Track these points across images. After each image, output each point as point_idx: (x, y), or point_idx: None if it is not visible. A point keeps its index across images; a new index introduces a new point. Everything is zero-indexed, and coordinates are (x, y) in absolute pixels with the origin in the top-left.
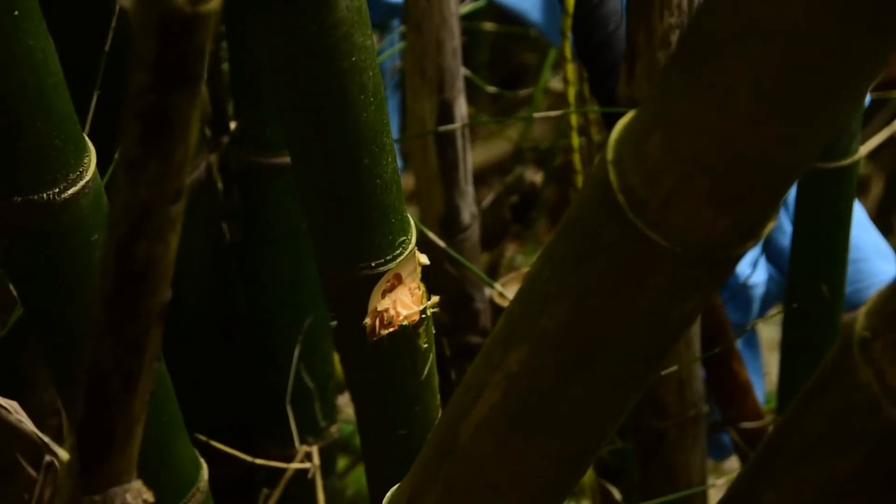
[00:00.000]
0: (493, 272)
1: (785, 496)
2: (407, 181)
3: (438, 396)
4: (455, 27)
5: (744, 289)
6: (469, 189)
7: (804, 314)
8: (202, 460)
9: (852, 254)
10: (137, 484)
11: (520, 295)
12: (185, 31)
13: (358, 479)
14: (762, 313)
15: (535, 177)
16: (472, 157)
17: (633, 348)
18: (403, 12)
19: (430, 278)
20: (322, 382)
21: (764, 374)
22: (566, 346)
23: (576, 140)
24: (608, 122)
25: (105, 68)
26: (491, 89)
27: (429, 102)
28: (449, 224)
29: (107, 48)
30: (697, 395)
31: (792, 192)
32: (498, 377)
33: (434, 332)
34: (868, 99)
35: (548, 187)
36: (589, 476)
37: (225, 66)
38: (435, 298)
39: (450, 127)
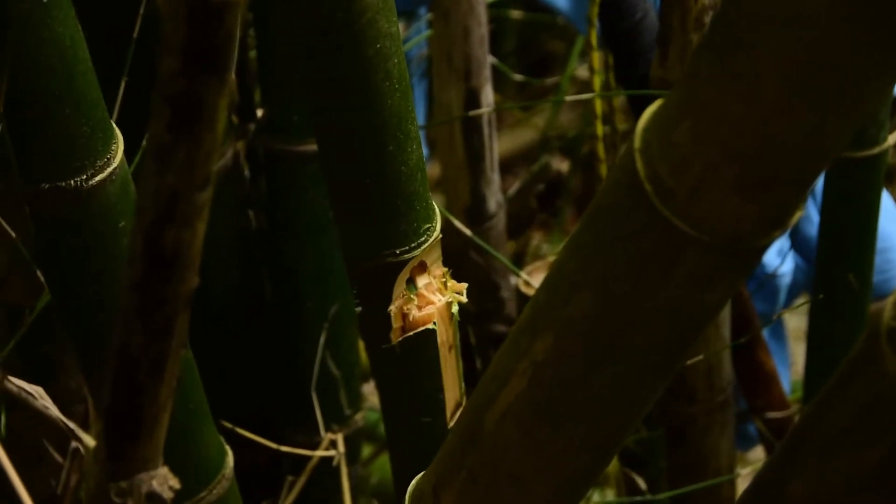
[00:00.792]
0: (519, 260)
1: (812, 485)
2: (433, 169)
3: (464, 385)
4: (482, 15)
5: (771, 279)
6: (495, 177)
7: (831, 304)
8: (228, 447)
9: (880, 243)
10: (163, 470)
11: (546, 283)
12: (214, 17)
13: (382, 466)
14: (789, 303)
15: (562, 165)
16: (498, 146)
17: (659, 337)
18: (431, 0)
19: (456, 267)
20: (347, 370)
21: (790, 364)
22: (592, 334)
23: (600, 128)
24: (636, 110)
25: (133, 55)
26: (518, 77)
27: (456, 90)
28: (475, 212)
29: (135, 35)
30: (726, 380)
31: (819, 182)
32: (523, 366)
33: (459, 320)
34: None
35: (574, 176)
36: (613, 465)
37: (252, 53)
38: (461, 285)
39: (476, 112)
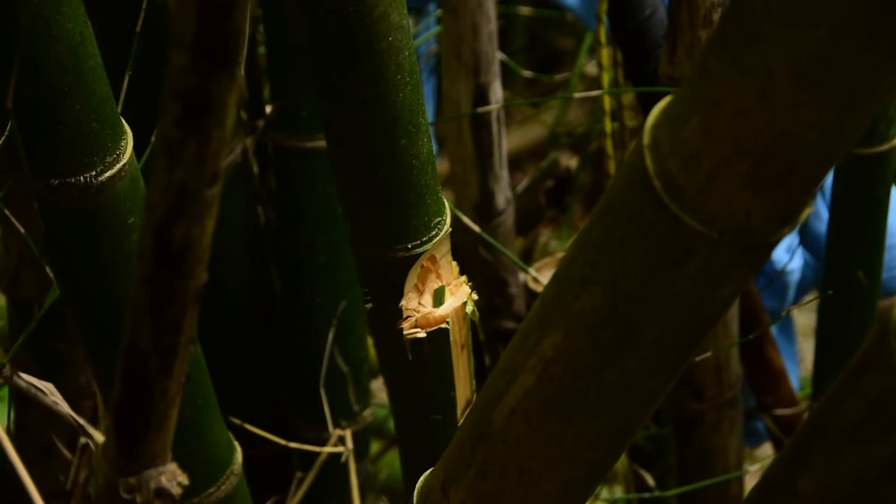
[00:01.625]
0: (528, 257)
1: (821, 481)
2: (442, 166)
3: (473, 381)
4: (491, 11)
5: (780, 275)
6: (504, 174)
7: (840, 300)
8: (236, 443)
9: (889, 240)
10: (172, 466)
11: (555, 279)
12: (223, 13)
13: (391, 462)
14: (798, 300)
15: (570, 161)
16: (507, 142)
17: (669, 333)
18: None
19: (465, 263)
20: (356, 366)
21: (799, 360)
22: (601, 330)
23: (608, 125)
24: (645, 106)
25: (142, 51)
26: (527, 74)
27: (464, 87)
28: (484, 209)
29: (142, 30)
30: (735, 377)
31: (828, 178)
32: (533, 362)
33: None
34: None
35: (583, 172)
36: (622, 462)
37: (262, 49)
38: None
39: (485, 108)
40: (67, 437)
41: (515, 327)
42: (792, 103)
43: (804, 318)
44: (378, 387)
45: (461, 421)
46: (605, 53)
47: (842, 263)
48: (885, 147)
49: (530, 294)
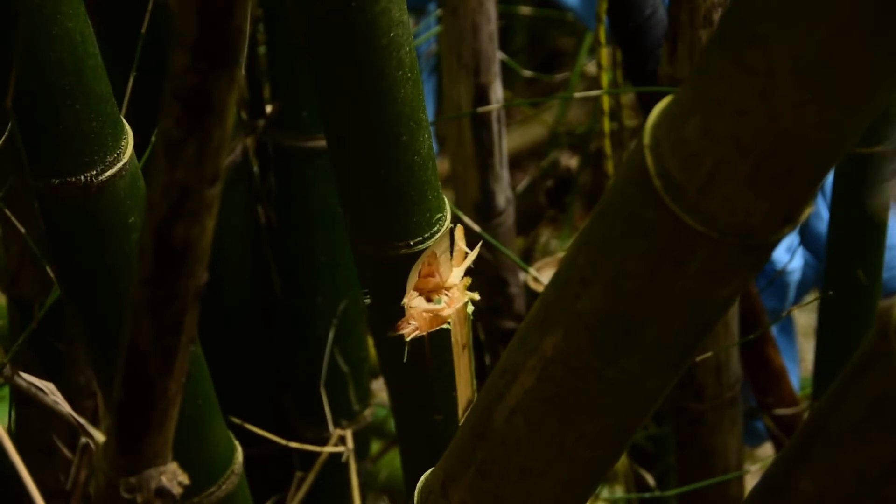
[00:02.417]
0: (528, 257)
1: (821, 481)
2: (442, 165)
3: (474, 381)
4: (491, 11)
5: (780, 275)
6: (504, 173)
7: (840, 300)
8: (237, 443)
9: (889, 240)
10: (173, 466)
11: (555, 279)
12: (224, 13)
13: (391, 462)
14: (798, 300)
15: (571, 161)
16: (507, 142)
17: (669, 333)
18: None
19: None
20: (356, 366)
21: (799, 360)
22: (601, 330)
23: (607, 124)
24: (645, 106)
25: (143, 51)
26: (527, 73)
27: (465, 86)
28: (484, 208)
29: (144, 30)
30: (735, 377)
31: (829, 178)
32: (533, 361)
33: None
34: None
35: (583, 172)
36: (622, 462)
37: (262, 49)
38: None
39: (486, 108)
40: (68, 437)
41: (516, 327)
42: (793, 103)
43: (804, 318)
44: (378, 386)
45: (462, 421)
46: (605, 53)
47: (842, 263)
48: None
49: (531, 294)
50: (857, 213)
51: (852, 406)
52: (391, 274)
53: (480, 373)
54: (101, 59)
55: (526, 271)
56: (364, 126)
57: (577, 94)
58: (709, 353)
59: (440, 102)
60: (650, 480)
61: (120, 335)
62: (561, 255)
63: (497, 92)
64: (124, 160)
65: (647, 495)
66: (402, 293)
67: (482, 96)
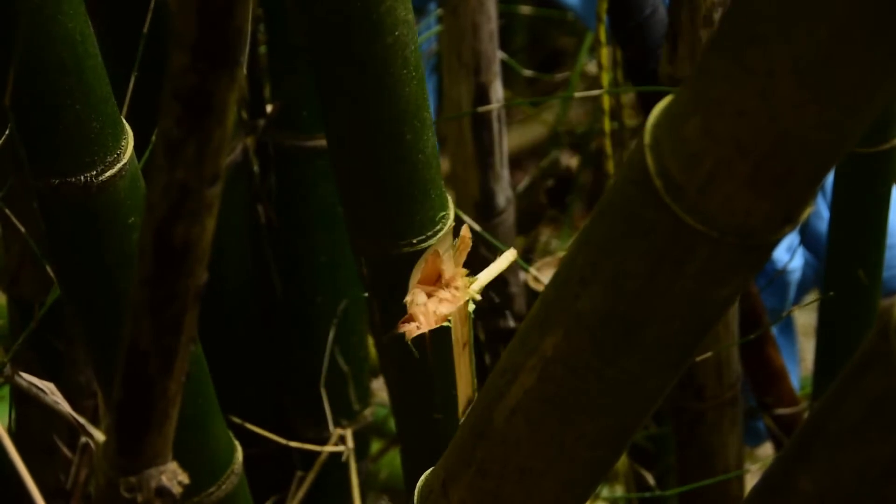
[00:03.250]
0: (529, 256)
1: (821, 481)
2: (442, 165)
3: (475, 380)
4: (491, 10)
5: (780, 275)
6: (504, 173)
7: (841, 300)
8: (237, 442)
9: (889, 239)
10: (173, 465)
11: (555, 279)
12: (224, 12)
13: (391, 462)
14: (798, 299)
15: (571, 161)
16: (507, 141)
17: (669, 333)
18: None
19: (466, 262)
20: (356, 366)
21: (799, 360)
22: (602, 330)
23: (607, 124)
24: (645, 106)
25: (143, 50)
26: (527, 73)
27: (465, 86)
28: (484, 208)
29: (144, 30)
30: (735, 376)
31: (829, 177)
32: (533, 361)
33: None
34: None
35: (584, 171)
36: (622, 461)
37: (262, 48)
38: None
39: (486, 108)
40: (68, 437)
41: (516, 327)
42: (793, 103)
43: (805, 318)
44: (379, 386)
45: (462, 420)
46: (605, 53)
47: (842, 263)
48: (886, 146)
49: (531, 293)
50: (857, 212)
51: (852, 406)
52: (394, 273)
53: (480, 372)
54: (101, 59)
55: (526, 271)
56: (368, 125)
57: (578, 94)
58: (709, 353)
59: (440, 102)
60: (650, 480)
61: (120, 335)
62: (561, 254)
63: (497, 91)
64: (124, 160)
65: (647, 495)
66: (405, 292)
67: (482, 96)
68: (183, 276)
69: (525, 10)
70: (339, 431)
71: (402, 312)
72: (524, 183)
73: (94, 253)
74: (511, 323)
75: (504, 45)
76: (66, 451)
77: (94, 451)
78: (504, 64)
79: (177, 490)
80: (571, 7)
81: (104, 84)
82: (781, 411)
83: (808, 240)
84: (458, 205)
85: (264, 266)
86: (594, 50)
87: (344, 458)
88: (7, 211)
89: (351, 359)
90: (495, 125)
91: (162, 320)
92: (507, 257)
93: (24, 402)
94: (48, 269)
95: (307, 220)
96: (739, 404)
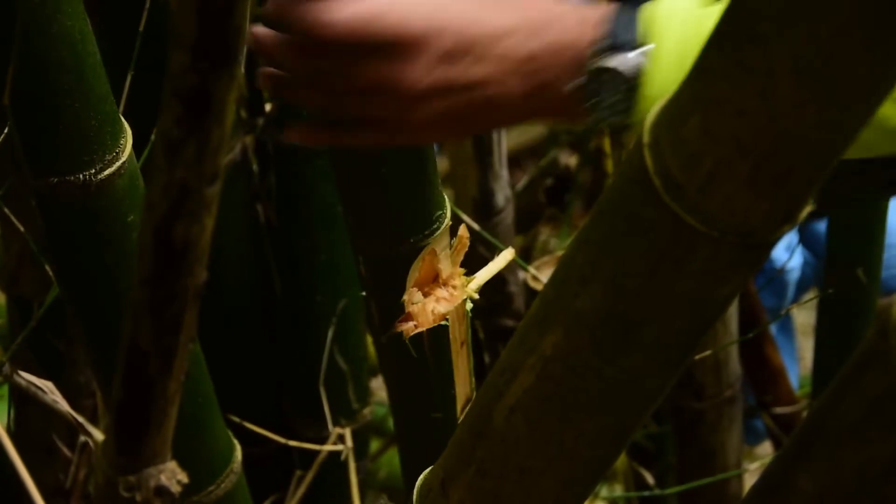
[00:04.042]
0: (527, 255)
1: (821, 480)
2: (441, 164)
3: (473, 378)
4: None
5: (779, 274)
6: (503, 172)
7: (840, 299)
8: (236, 441)
9: (888, 239)
10: (172, 464)
11: (554, 278)
12: (224, 12)
13: (390, 461)
14: (797, 298)
15: (570, 160)
16: (506, 140)
17: (668, 332)
18: None
19: (464, 261)
20: (355, 365)
21: (798, 359)
22: (601, 329)
23: None
24: None
25: (142, 50)
26: None
27: None
28: (483, 207)
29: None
30: (734, 375)
31: None
32: (532, 360)
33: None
34: None
35: (583, 170)
36: (621, 460)
37: None
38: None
39: None
40: (67, 436)
41: (515, 326)
42: (793, 103)
43: (804, 317)
44: (377, 385)
45: (461, 419)
46: None
47: (841, 262)
48: None
49: (530, 292)
50: (856, 212)
51: (852, 405)
52: (392, 271)
53: (479, 371)
54: (99, 57)
55: (525, 270)
56: None
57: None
58: (708, 352)
59: None
60: (650, 479)
61: (119, 334)
62: (560, 253)
63: None
64: (123, 159)
65: (646, 493)
66: (403, 290)
67: None
68: (182, 276)
69: None
70: (338, 430)
71: (400, 311)
72: (523, 182)
73: (94, 252)
74: (510, 321)
75: None
76: (65, 450)
77: (93, 451)
78: None
79: (176, 489)
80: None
81: (103, 83)
82: (780, 410)
83: (807, 239)
84: (456, 203)
85: (264, 265)
86: None
87: (343, 456)
88: (6, 210)
89: (350, 358)
90: None
91: (161, 320)
92: (505, 256)
93: (24, 402)
94: (47, 268)
95: (307, 219)
96: (738, 403)
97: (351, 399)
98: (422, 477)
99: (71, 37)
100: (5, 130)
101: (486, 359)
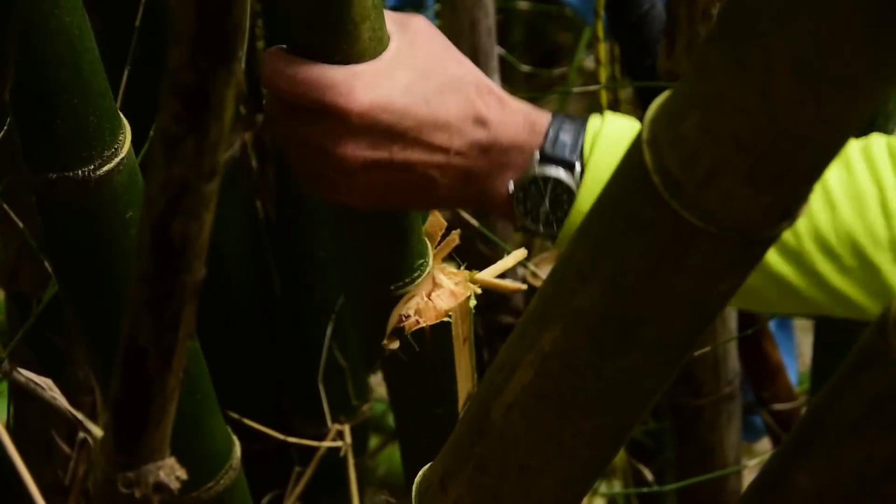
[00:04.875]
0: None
1: (819, 477)
2: None
3: (475, 375)
4: (489, 6)
5: None
6: None
7: None
8: (235, 438)
9: None
10: (171, 461)
11: (553, 275)
12: (223, 8)
13: (389, 457)
14: None
15: None
16: None
17: (668, 328)
18: None
19: (464, 258)
20: (354, 361)
21: (797, 355)
22: (600, 326)
23: None
24: (643, 101)
25: (140, 46)
26: (525, 68)
27: None
28: None
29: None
30: (733, 372)
31: None
32: (531, 357)
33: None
34: None
35: None
36: (620, 457)
37: (261, 44)
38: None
39: None
40: (66, 433)
41: (514, 322)
42: (792, 100)
43: None
44: (376, 381)
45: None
46: (603, 48)
47: None
48: None
49: (529, 289)
50: None
51: (851, 403)
52: (375, 314)
53: (479, 368)
54: (98, 53)
55: (524, 266)
56: None
57: (576, 89)
58: (707, 349)
59: None
60: (648, 475)
61: (118, 330)
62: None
63: None
64: (122, 155)
65: (645, 490)
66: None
67: None
68: (181, 272)
69: (523, 5)
70: (338, 427)
71: (382, 350)
72: None
73: (92, 248)
74: (509, 318)
75: (502, 41)
76: (64, 446)
77: (92, 447)
78: (502, 59)
79: (174, 485)
80: (569, 3)
81: (101, 78)
82: (779, 407)
83: None
84: None
85: (262, 262)
86: (592, 45)
87: (342, 453)
88: (5, 206)
89: (349, 354)
90: None
91: (160, 316)
92: (516, 256)
93: (23, 398)
94: (46, 264)
95: (306, 216)
96: (737, 400)
97: (350, 395)
98: (421, 473)
99: (69, 32)
100: (4, 127)
101: (486, 355)
